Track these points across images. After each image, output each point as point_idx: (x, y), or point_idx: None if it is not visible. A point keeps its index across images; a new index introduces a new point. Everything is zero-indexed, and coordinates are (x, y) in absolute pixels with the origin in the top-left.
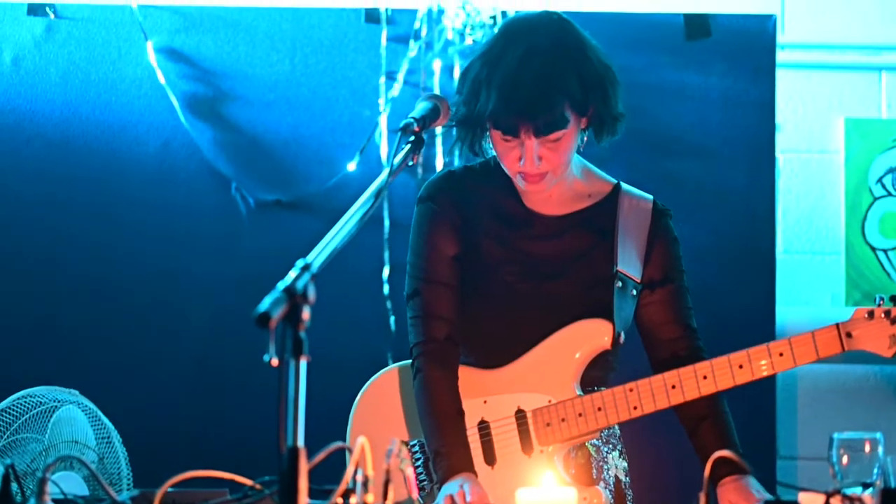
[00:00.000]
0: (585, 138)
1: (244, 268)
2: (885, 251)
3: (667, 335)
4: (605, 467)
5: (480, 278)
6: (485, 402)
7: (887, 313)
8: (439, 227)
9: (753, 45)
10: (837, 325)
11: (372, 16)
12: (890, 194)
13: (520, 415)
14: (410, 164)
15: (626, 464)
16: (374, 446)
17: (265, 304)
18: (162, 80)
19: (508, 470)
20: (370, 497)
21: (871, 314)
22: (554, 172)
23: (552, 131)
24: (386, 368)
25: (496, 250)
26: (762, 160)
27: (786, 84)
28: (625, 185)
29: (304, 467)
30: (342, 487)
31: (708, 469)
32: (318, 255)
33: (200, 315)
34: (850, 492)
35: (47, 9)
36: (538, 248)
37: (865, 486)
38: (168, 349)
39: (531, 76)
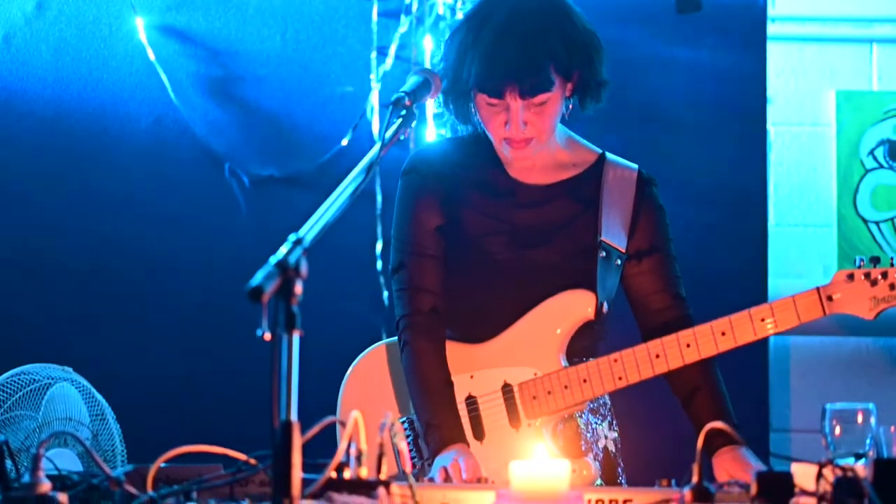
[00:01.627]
0: (571, 106)
1: (237, 243)
2: (876, 223)
3: (656, 305)
4: (594, 439)
5: (464, 250)
6: (471, 376)
7: (867, 275)
8: (423, 199)
9: (744, 18)
10: (818, 288)
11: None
12: (881, 166)
13: (506, 389)
14: (402, 138)
15: (616, 434)
16: (365, 422)
17: (257, 278)
18: (152, 56)
19: (497, 444)
20: (364, 471)
21: (851, 276)
22: (539, 138)
23: (537, 93)
24: (374, 345)
25: (479, 221)
26: (754, 133)
27: (777, 57)
28: (610, 155)
29: (297, 441)
30: (336, 461)
31: (701, 440)
32: (310, 230)
33: (193, 291)
34: (842, 462)
35: None
36: (522, 216)
37: (858, 456)
38: (161, 326)
39: (516, 38)
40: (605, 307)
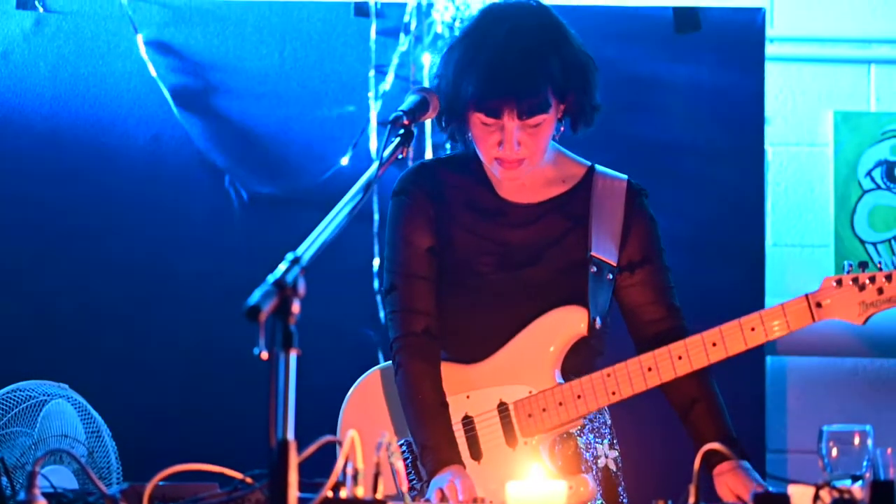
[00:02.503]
0: (562, 128)
1: (235, 261)
2: (873, 244)
3: (649, 316)
4: (594, 458)
5: (455, 270)
6: (467, 396)
7: (855, 280)
8: (413, 220)
9: (743, 38)
10: (807, 295)
11: (361, 9)
12: (879, 187)
13: (502, 407)
14: (400, 157)
15: (617, 454)
16: (364, 445)
17: (255, 297)
18: (153, 72)
19: (494, 463)
20: (360, 490)
21: (839, 282)
22: (531, 159)
23: (534, 114)
24: (373, 368)
25: (470, 241)
26: (751, 153)
27: (775, 77)
28: (599, 168)
29: (294, 460)
30: (332, 480)
31: (698, 462)
32: (308, 249)
33: (191, 309)
34: (839, 484)
35: (36, 2)
36: (512, 236)
37: (855, 478)
38: (158, 343)
39: (515, 59)
40: (598, 323)
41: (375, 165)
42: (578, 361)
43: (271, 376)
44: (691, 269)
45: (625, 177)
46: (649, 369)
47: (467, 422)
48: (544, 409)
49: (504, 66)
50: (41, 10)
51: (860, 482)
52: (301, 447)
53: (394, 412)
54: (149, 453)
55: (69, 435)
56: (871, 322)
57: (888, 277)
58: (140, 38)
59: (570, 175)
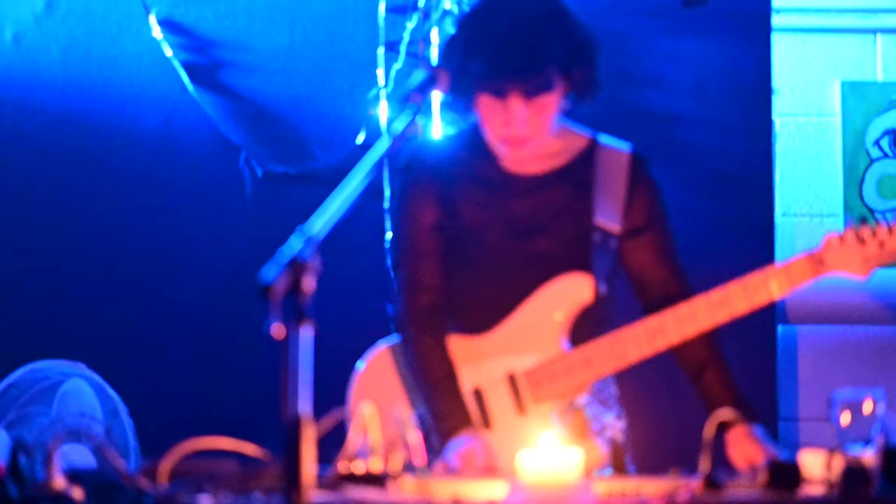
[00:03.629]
0: (567, 105)
1: (249, 238)
2: (882, 212)
3: (656, 277)
4: (601, 428)
5: (463, 244)
6: (475, 368)
7: (857, 235)
8: (419, 196)
9: (749, 10)
10: (810, 252)
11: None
12: (886, 156)
13: (511, 377)
14: (410, 133)
15: (623, 424)
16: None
17: (268, 273)
18: (168, 52)
19: (505, 433)
20: (375, 463)
21: (842, 238)
22: (537, 137)
23: (540, 93)
24: (378, 346)
25: (477, 214)
26: (759, 124)
27: (781, 48)
28: (601, 138)
29: (309, 435)
30: (347, 453)
31: (711, 428)
32: (320, 225)
33: (205, 286)
34: (851, 450)
35: None
36: (518, 207)
37: (867, 443)
38: (173, 321)
39: (521, 38)
40: (604, 289)
41: (386, 142)
42: (587, 331)
43: (285, 352)
44: (701, 240)
45: (627, 146)
46: (656, 332)
47: (477, 393)
48: (553, 376)
49: (509, 48)
50: None
51: (872, 447)
52: (315, 422)
53: (404, 386)
54: (166, 430)
55: (86, 414)
56: (882, 289)
57: (890, 230)
58: (153, 19)
59: (573, 146)
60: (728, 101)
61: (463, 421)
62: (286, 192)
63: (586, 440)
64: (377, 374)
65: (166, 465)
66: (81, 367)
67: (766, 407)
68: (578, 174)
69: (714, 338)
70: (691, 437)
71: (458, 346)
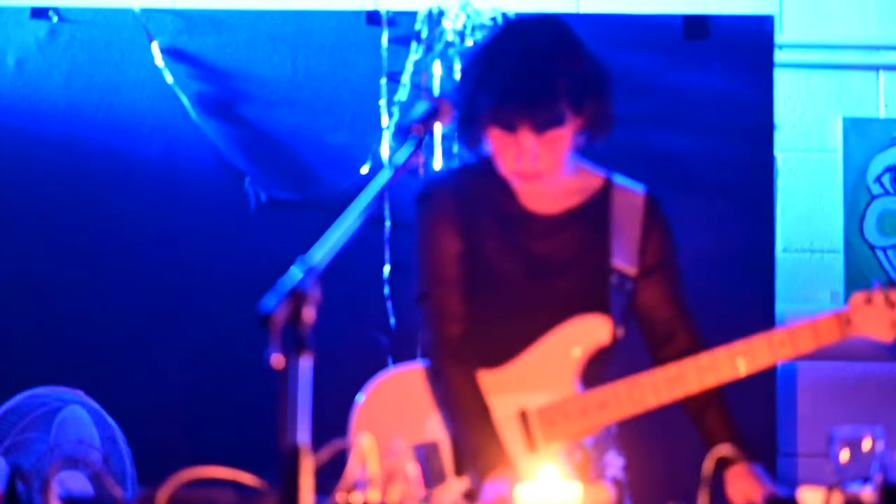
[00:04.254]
0: (582, 141)
1: (251, 266)
2: (883, 249)
3: (663, 316)
4: (603, 467)
5: (482, 277)
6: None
7: (886, 298)
8: (441, 224)
9: (752, 45)
10: (837, 313)
11: (373, 18)
12: (888, 193)
13: (522, 414)
14: (412, 165)
15: (622, 462)
16: (378, 451)
17: (268, 303)
18: (170, 80)
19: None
20: (373, 494)
21: (869, 300)
22: (550, 172)
23: (550, 128)
24: (380, 375)
25: (500, 248)
26: (761, 159)
27: (784, 84)
28: (616, 178)
29: (307, 466)
30: (345, 484)
31: (710, 464)
32: (321, 254)
33: (206, 314)
34: (850, 487)
35: (50, 12)
36: (537, 246)
37: (866, 480)
38: (172, 349)
39: (531, 72)
40: (621, 332)
41: (387, 172)
42: (594, 373)
43: (284, 382)
44: (701, 275)
45: (642, 187)
46: (676, 381)
47: None
48: (567, 417)
49: (519, 81)
50: (55, 19)
51: (870, 484)
52: (313, 453)
53: (407, 416)
54: (163, 459)
55: (84, 441)
56: None
57: None
58: (156, 46)
59: (588, 185)
60: (730, 136)
61: (501, 458)
62: (290, 219)
63: (595, 481)
64: (378, 405)
65: (164, 493)
66: (80, 394)
67: (764, 442)
68: (595, 214)
69: None
70: (685, 472)
71: None
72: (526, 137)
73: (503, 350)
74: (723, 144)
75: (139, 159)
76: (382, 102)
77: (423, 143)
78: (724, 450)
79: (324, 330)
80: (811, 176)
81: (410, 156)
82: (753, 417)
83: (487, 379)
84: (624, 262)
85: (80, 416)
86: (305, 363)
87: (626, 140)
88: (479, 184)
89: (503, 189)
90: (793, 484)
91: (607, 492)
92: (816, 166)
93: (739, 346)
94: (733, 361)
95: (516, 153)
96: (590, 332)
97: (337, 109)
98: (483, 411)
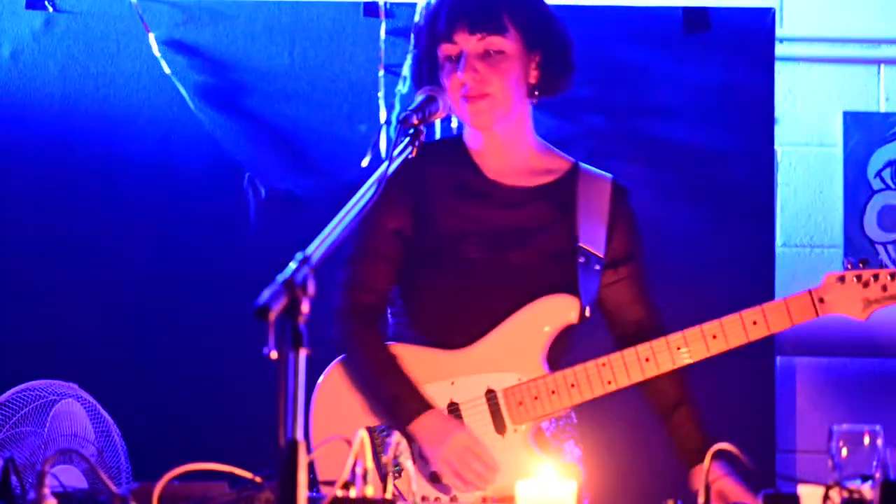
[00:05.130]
0: (537, 93)
1: (247, 261)
2: (883, 244)
3: (633, 315)
4: (560, 455)
5: (439, 254)
6: (452, 383)
7: (858, 277)
8: (386, 202)
9: (752, 38)
10: (810, 291)
11: (370, 9)
12: (888, 188)
13: (490, 395)
14: (410, 157)
15: (580, 452)
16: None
17: (264, 296)
18: (167, 70)
19: None
20: (370, 489)
21: (842, 279)
22: (495, 96)
23: (487, 31)
24: (331, 365)
25: (454, 223)
26: (761, 154)
27: (784, 77)
28: (583, 164)
29: (303, 460)
30: (342, 480)
31: (707, 461)
32: (318, 248)
33: (202, 308)
34: (849, 484)
35: (46, 2)
36: (498, 217)
37: (865, 478)
38: (168, 342)
39: None
40: (588, 312)
41: (385, 165)
42: (555, 349)
43: (280, 376)
44: (701, 269)
45: (609, 175)
46: (647, 359)
47: (453, 408)
48: (536, 398)
49: None
50: (51, 9)
51: (870, 482)
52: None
53: (363, 401)
54: (159, 453)
55: (79, 435)
56: (881, 322)
57: (892, 276)
58: (152, 37)
59: (555, 167)
60: (730, 130)
61: (423, 402)
62: (289, 212)
63: (562, 461)
64: (333, 391)
65: (159, 488)
66: (75, 388)
67: (763, 438)
68: (561, 195)
69: (686, 378)
70: (645, 467)
71: (434, 359)
72: (465, 41)
73: (467, 328)
74: (723, 138)
75: (136, 151)
76: (380, 94)
77: (421, 134)
78: (723, 447)
79: (319, 323)
80: (811, 170)
81: (407, 147)
82: (753, 414)
83: (452, 359)
84: (591, 243)
85: (74, 409)
86: (302, 356)
87: (625, 132)
88: (441, 159)
89: (467, 162)
90: (792, 481)
91: (579, 472)
92: (816, 161)
93: (711, 325)
94: (705, 340)
95: (460, 69)
96: (558, 312)
97: (334, 100)
98: (395, 364)
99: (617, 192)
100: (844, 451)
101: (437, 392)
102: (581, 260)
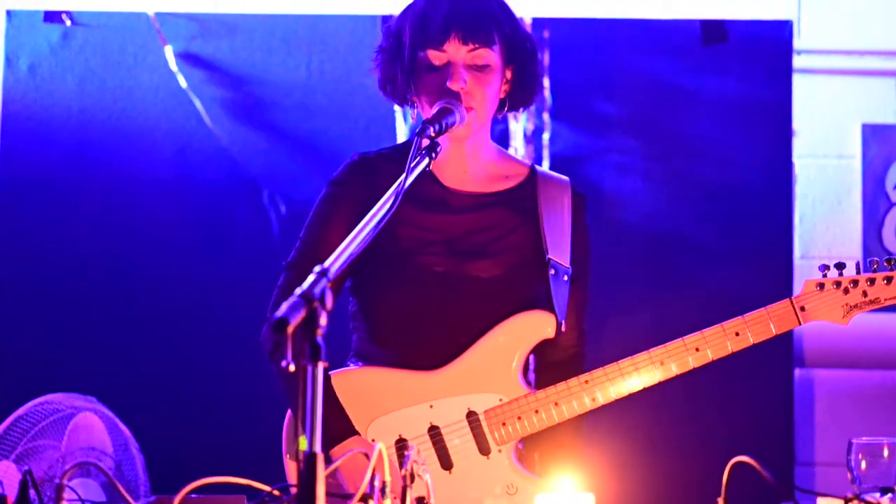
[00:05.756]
0: (506, 107)
1: (265, 275)
2: None
3: (565, 341)
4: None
5: (401, 267)
6: (431, 406)
7: (837, 284)
8: (341, 212)
9: (770, 50)
10: (791, 299)
11: (388, 22)
12: None
13: (471, 417)
14: (427, 169)
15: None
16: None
17: (282, 310)
18: (184, 84)
19: (467, 473)
20: (387, 502)
21: (821, 286)
22: (478, 112)
23: (480, 42)
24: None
25: (412, 233)
26: (779, 165)
27: (802, 89)
28: (539, 168)
29: (321, 473)
30: (361, 492)
31: (726, 475)
32: (335, 261)
33: (220, 324)
34: (868, 497)
35: (63, 16)
36: (458, 223)
37: (884, 490)
38: (185, 357)
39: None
40: (564, 326)
41: (403, 177)
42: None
43: (299, 388)
44: (719, 280)
45: (567, 179)
46: (630, 374)
47: (434, 432)
48: (520, 418)
49: (441, 2)
50: (68, 23)
51: (889, 495)
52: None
53: (354, 414)
54: (176, 466)
55: (97, 448)
56: None
57: (871, 281)
58: (169, 50)
59: (514, 172)
60: (748, 141)
61: (346, 429)
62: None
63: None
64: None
65: (177, 501)
66: (93, 401)
67: (782, 451)
68: (522, 201)
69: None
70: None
71: (410, 382)
72: (455, 51)
73: (439, 347)
74: (741, 150)
75: (153, 165)
76: (397, 107)
77: (437, 146)
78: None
79: (336, 336)
80: (830, 182)
81: (423, 160)
82: (771, 426)
83: (429, 381)
84: (559, 254)
85: (92, 423)
86: (319, 369)
87: (644, 145)
88: (397, 168)
89: (424, 170)
90: (811, 493)
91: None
92: (835, 172)
93: (694, 337)
94: (688, 353)
95: (445, 80)
96: (535, 329)
97: (351, 114)
98: (326, 383)
99: (577, 198)
100: (863, 464)
101: (415, 416)
102: (552, 272)
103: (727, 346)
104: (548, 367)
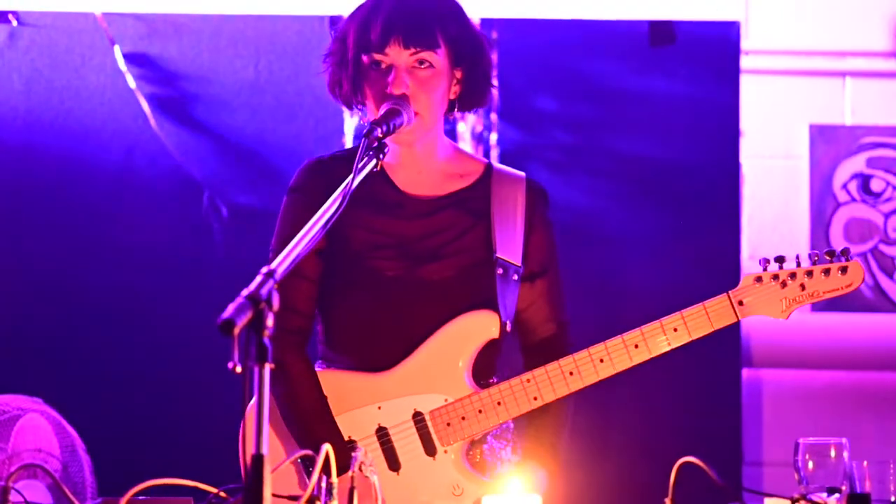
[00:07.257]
0: (456, 109)
1: (212, 276)
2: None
3: (545, 333)
4: (496, 462)
5: (354, 271)
6: (379, 407)
7: (776, 277)
8: (306, 217)
9: (718, 51)
10: (728, 294)
11: (336, 23)
12: (854, 200)
13: (417, 417)
14: (376, 170)
15: (518, 458)
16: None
17: (229, 311)
18: (132, 84)
19: (414, 474)
20: (334, 503)
21: (759, 279)
22: (422, 117)
23: (422, 46)
24: None
25: (365, 237)
26: (727, 166)
27: (750, 90)
28: (496, 165)
29: (268, 474)
30: (308, 494)
31: (674, 476)
32: (282, 263)
33: (166, 323)
34: (815, 497)
35: (10, 16)
36: (409, 228)
37: (831, 491)
38: (132, 358)
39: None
40: (509, 326)
41: (350, 179)
42: (482, 364)
43: (245, 390)
44: (666, 281)
45: (522, 174)
46: (570, 373)
47: (382, 433)
48: (463, 418)
49: (384, 4)
50: (15, 23)
51: (836, 495)
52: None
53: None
54: (123, 468)
55: (43, 449)
56: (847, 335)
57: (809, 274)
58: (117, 49)
59: (468, 171)
60: (695, 142)
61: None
62: (252, 226)
63: (495, 475)
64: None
65: (123, 502)
66: (39, 402)
67: (730, 451)
68: (475, 200)
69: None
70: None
71: (359, 384)
72: (397, 55)
73: (389, 349)
74: (689, 151)
75: (99, 165)
76: (345, 108)
77: (385, 147)
78: (691, 461)
79: None
80: (777, 183)
81: (372, 160)
82: (719, 426)
83: (377, 383)
84: (508, 252)
85: (39, 424)
86: (266, 371)
87: (591, 145)
88: (350, 169)
89: (379, 174)
90: (758, 494)
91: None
92: (782, 173)
93: (633, 334)
94: (628, 351)
95: (389, 82)
96: (478, 329)
97: (300, 115)
98: (326, 408)
99: (532, 193)
100: (811, 464)
101: (364, 417)
102: (499, 272)
103: (666, 342)
104: (530, 355)
